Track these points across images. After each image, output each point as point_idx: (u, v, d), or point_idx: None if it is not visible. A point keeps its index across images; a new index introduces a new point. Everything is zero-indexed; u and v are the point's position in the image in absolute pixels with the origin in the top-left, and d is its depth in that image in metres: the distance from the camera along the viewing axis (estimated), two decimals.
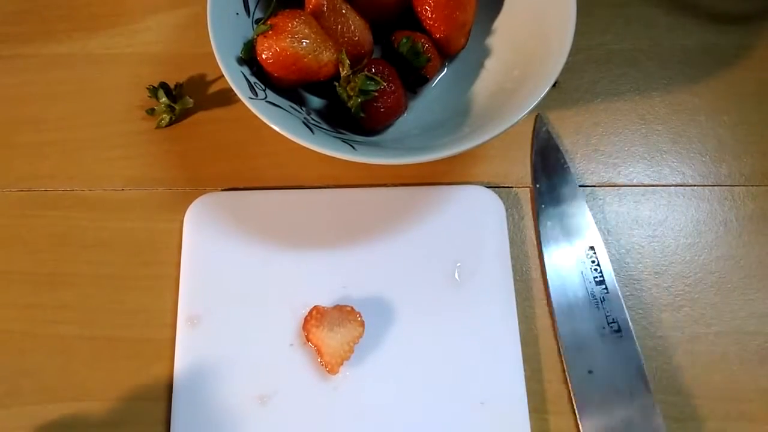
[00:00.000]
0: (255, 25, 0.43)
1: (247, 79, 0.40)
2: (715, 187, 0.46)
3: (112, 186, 0.45)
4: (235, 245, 0.42)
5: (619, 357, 0.40)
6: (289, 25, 0.39)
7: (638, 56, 0.49)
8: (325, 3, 0.41)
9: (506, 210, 0.44)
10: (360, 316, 0.40)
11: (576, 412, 0.39)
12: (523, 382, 0.39)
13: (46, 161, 0.46)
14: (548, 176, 0.45)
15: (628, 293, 0.43)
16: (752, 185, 0.46)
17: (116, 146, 0.46)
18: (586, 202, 0.45)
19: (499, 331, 0.40)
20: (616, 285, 0.42)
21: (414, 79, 0.44)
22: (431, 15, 0.43)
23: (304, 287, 0.41)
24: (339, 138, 0.41)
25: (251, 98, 0.39)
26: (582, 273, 0.42)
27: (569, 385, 0.40)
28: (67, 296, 0.42)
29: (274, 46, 0.39)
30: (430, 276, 0.42)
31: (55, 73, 0.48)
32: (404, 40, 0.43)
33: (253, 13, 0.43)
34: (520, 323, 0.41)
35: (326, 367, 0.39)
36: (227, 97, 0.47)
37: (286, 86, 0.42)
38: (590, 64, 0.49)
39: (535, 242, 0.44)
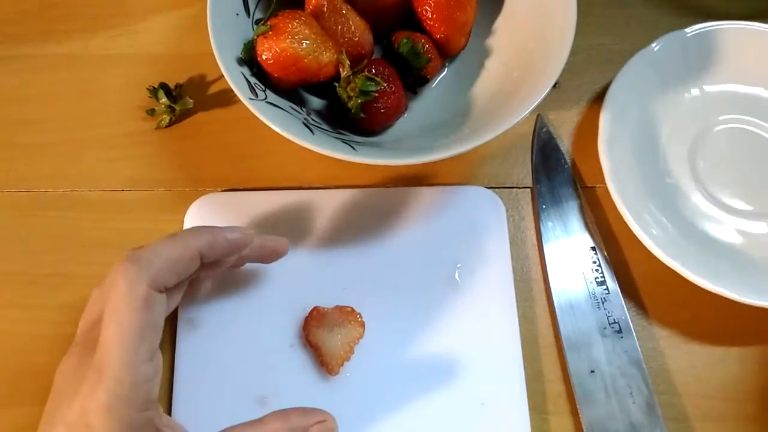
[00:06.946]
0: (255, 26, 0.43)
1: (247, 80, 0.40)
2: None
3: (112, 186, 0.45)
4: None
5: (620, 357, 0.40)
6: (290, 25, 0.39)
7: None
8: (326, 3, 0.41)
9: (506, 210, 0.44)
10: (360, 316, 0.40)
11: (577, 412, 0.39)
12: (524, 383, 0.39)
13: (46, 161, 0.46)
14: (549, 177, 0.45)
15: (629, 293, 0.43)
16: None
17: (116, 147, 0.46)
18: (587, 202, 0.45)
19: (499, 332, 0.40)
20: (617, 285, 0.42)
21: (414, 80, 0.44)
22: (431, 15, 0.43)
23: (304, 288, 0.41)
24: (339, 138, 0.41)
25: (251, 99, 0.39)
26: (583, 273, 0.42)
27: (570, 385, 0.40)
28: (67, 296, 0.42)
29: (274, 46, 0.39)
30: (431, 276, 0.42)
31: (55, 73, 0.48)
32: (404, 41, 0.43)
33: (253, 14, 0.43)
34: (520, 323, 0.41)
35: (326, 368, 0.39)
36: (227, 98, 0.47)
37: (286, 87, 0.42)
38: (590, 64, 0.49)
39: (536, 243, 0.44)
